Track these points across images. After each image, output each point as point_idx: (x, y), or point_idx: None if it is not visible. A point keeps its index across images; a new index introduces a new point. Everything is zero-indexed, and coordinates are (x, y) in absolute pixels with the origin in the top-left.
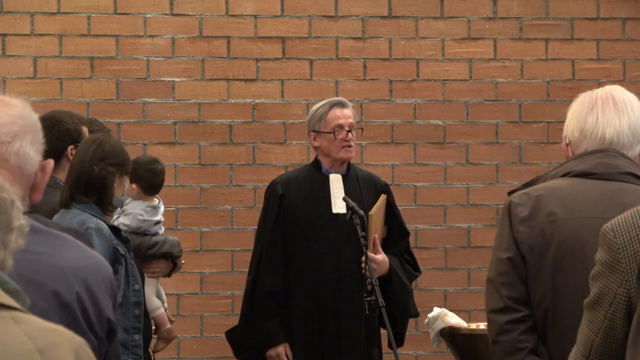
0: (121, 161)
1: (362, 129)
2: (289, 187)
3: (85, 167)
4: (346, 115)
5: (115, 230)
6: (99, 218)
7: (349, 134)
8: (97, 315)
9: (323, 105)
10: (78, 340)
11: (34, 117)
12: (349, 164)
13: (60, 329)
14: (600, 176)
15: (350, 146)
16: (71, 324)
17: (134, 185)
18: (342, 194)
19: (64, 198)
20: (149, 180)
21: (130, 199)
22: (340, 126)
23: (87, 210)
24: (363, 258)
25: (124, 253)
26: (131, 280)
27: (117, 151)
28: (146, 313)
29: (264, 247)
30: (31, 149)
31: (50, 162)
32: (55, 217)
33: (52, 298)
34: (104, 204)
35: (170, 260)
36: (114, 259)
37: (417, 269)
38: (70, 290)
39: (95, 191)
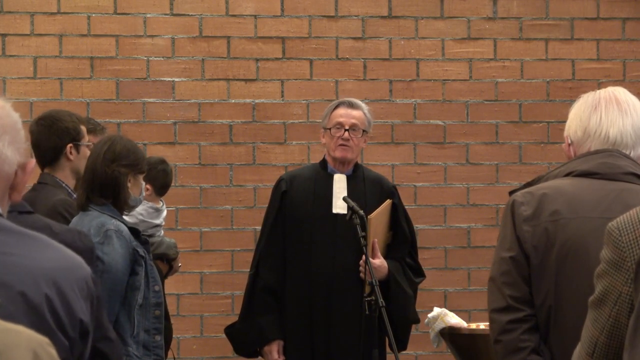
0: (133, 161)
1: (364, 130)
2: (293, 185)
3: (97, 169)
4: (350, 115)
5: (134, 231)
6: (118, 219)
7: (347, 132)
8: (69, 317)
9: (333, 103)
10: (38, 340)
11: (14, 117)
12: (356, 165)
13: (20, 329)
14: (604, 176)
15: (347, 145)
16: (39, 325)
17: (148, 186)
18: (345, 195)
19: (80, 200)
20: (163, 181)
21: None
22: (340, 124)
23: (105, 211)
24: (362, 260)
25: (143, 254)
26: (151, 281)
27: (129, 151)
28: (167, 314)
29: (263, 243)
30: (9, 149)
31: (32, 162)
32: (74, 220)
33: (19, 299)
34: (120, 204)
35: (166, 262)
36: (134, 261)
37: (420, 274)
38: (38, 291)
39: (110, 192)
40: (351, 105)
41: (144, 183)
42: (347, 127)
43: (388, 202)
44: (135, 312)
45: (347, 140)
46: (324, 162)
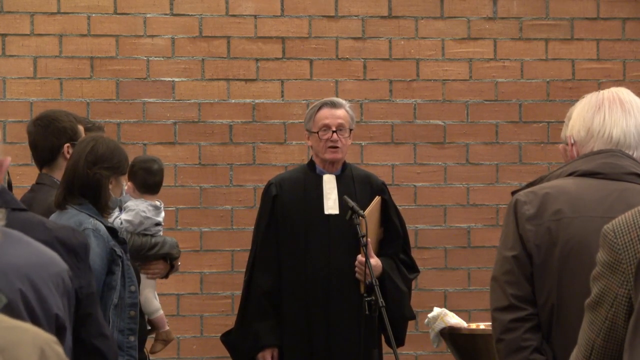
0: (115, 163)
1: (351, 129)
2: (283, 188)
3: (78, 171)
4: (335, 115)
5: (112, 231)
6: (96, 219)
7: (334, 134)
8: (44, 313)
9: (315, 105)
10: (45, 338)
11: None
12: (344, 164)
13: (27, 327)
14: (606, 176)
15: (336, 147)
16: None
17: (129, 183)
18: (335, 195)
19: (57, 199)
20: (142, 179)
21: (128, 196)
22: (327, 126)
23: (84, 210)
24: (357, 260)
25: (120, 254)
26: (127, 281)
27: (111, 153)
28: (141, 313)
29: (257, 248)
30: None
31: (7, 160)
32: (52, 218)
33: None
34: (100, 206)
35: (168, 262)
36: (111, 260)
37: (414, 269)
38: (11, 287)
39: (91, 194)
40: (334, 105)
41: (124, 183)
42: (334, 129)
43: (377, 199)
44: (111, 312)
45: (336, 141)
46: (312, 164)
